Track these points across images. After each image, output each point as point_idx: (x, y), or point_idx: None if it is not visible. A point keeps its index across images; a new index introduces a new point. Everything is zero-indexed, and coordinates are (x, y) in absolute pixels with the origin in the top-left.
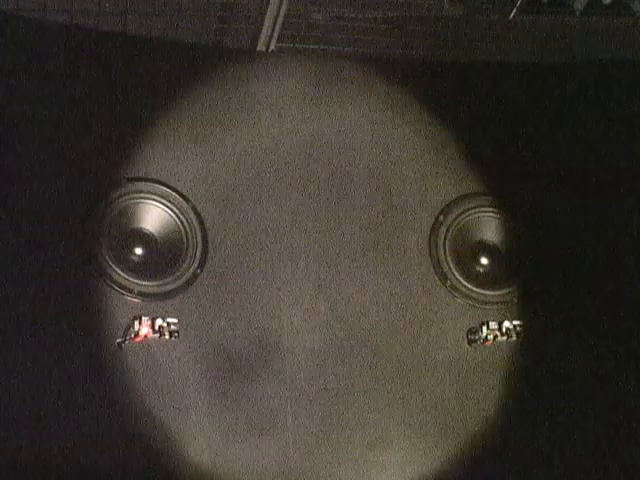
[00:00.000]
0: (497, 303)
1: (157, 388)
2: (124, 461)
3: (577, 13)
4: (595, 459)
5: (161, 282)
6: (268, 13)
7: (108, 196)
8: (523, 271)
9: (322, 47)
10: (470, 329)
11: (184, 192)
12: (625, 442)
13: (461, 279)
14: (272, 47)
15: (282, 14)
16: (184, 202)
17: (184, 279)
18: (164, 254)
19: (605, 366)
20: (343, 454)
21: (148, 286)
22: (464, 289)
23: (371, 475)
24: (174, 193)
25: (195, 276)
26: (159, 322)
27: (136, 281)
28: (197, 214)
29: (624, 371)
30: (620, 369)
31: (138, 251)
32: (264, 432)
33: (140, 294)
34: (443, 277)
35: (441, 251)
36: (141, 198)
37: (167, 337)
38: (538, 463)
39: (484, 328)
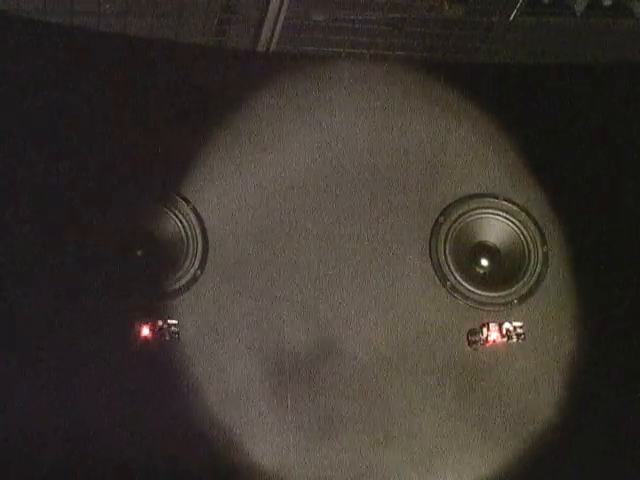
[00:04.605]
0: (497, 304)
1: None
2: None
3: (577, 14)
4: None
5: (162, 284)
6: (268, 15)
7: (110, 197)
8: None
9: (322, 49)
10: (470, 330)
11: (184, 193)
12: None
13: (461, 280)
14: (272, 48)
15: (282, 16)
16: (184, 204)
17: (184, 281)
18: (164, 256)
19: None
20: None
21: (149, 288)
22: (464, 290)
23: None
24: (174, 195)
25: (195, 278)
26: (159, 323)
27: (138, 283)
28: (197, 216)
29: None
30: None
31: (140, 253)
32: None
33: (142, 295)
34: (443, 278)
35: (441, 252)
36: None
37: (167, 338)
38: (543, 463)
39: (484, 329)
